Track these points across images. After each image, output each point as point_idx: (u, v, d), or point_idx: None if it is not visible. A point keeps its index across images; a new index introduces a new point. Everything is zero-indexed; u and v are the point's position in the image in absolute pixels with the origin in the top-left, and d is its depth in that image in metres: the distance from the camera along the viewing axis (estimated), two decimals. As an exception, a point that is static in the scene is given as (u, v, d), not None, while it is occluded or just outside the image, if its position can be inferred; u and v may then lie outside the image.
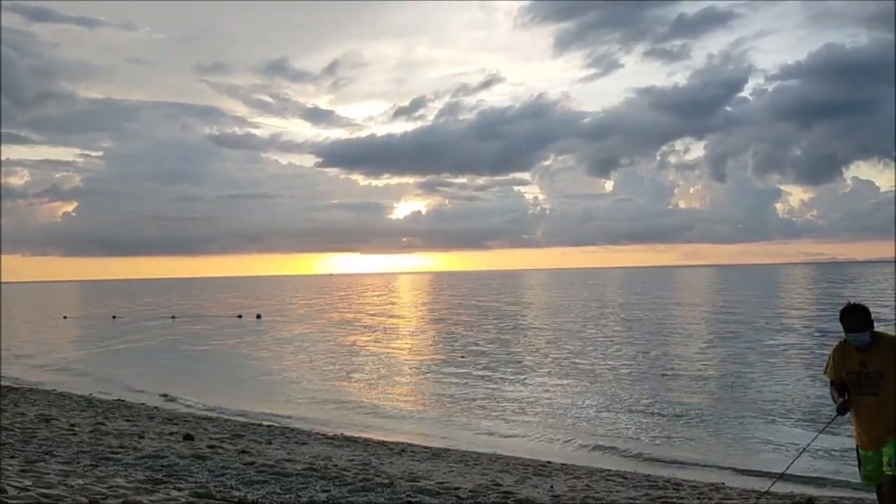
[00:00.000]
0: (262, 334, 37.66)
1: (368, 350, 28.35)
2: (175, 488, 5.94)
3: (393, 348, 28.90)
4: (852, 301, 5.14)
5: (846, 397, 5.24)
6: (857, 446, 5.26)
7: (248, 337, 36.32)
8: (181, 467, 7.23)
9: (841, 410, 5.20)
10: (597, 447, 12.23)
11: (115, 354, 29.90)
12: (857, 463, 5.30)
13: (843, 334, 5.14)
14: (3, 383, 17.79)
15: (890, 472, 4.96)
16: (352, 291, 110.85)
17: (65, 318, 57.12)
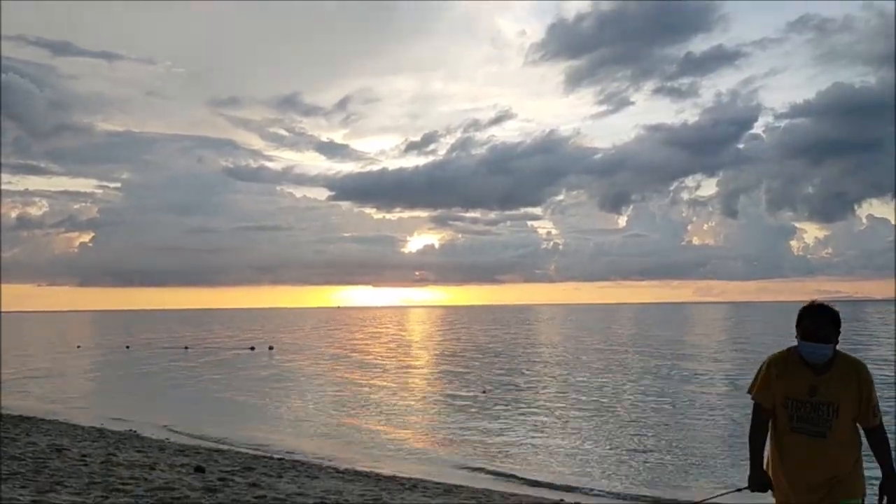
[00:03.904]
0: (273, 366, 37.59)
1: (380, 384, 28.21)
2: (185, 521, 5.89)
3: (406, 382, 28.74)
4: (818, 301, 3.72)
5: (764, 469, 3.75)
6: (775, 498, 3.78)
7: (260, 369, 36.25)
8: (192, 500, 7.19)
9: (756, 486, 3.74)
10: (612, 485, 12.05)
11: (127, 384, 29.92)
12: None
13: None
14: (15, 412, 17.82)
15: None
16: (364, 324, 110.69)
17: (78, 347, 57.32)
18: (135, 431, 15.94)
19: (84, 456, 10.19)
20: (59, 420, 17.10)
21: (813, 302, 3.70)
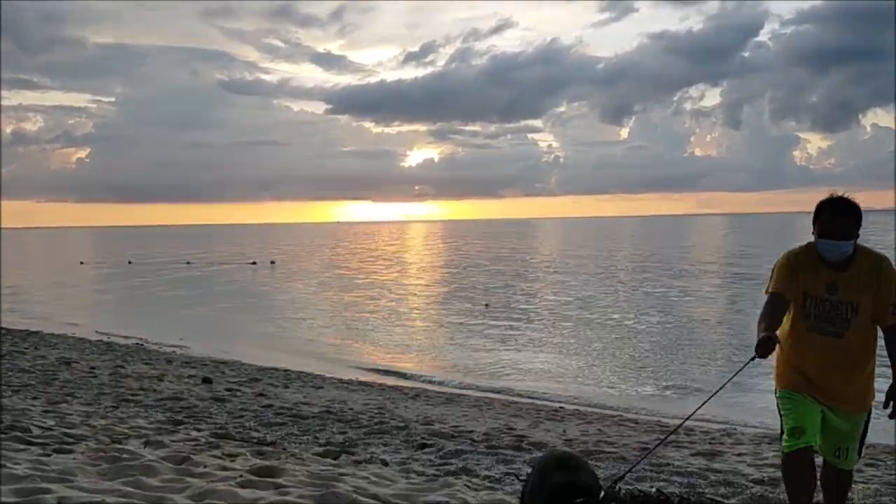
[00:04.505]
0: (276, 281, 37.96)
1: (382, 302, 28.52)
2: (195, 429, 6.06)
3: (407, 299, 29.07)
4: (839, 193, 3.29)
5: (773, 333, 3.23)
6: (779, 389, 3.45)
7: (263, 284, 36.64)
8: (200, 409, 7.37)
9: (762, 352, 3.18)
10: (607, 398, 12.32)
11: (133, 299, 30.28)
12: (778, 415, 3.40)
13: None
14: (22, 327, 18.07)
15: (840, 465, 3.40)
16: (364, 240, 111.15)
17: (81, 263, 57.66)
18: (142, 344, 16.21)
19: (93, 368, 10.41)
20: (66, 334, 17.35)
21: (832, 194, 3.31)
